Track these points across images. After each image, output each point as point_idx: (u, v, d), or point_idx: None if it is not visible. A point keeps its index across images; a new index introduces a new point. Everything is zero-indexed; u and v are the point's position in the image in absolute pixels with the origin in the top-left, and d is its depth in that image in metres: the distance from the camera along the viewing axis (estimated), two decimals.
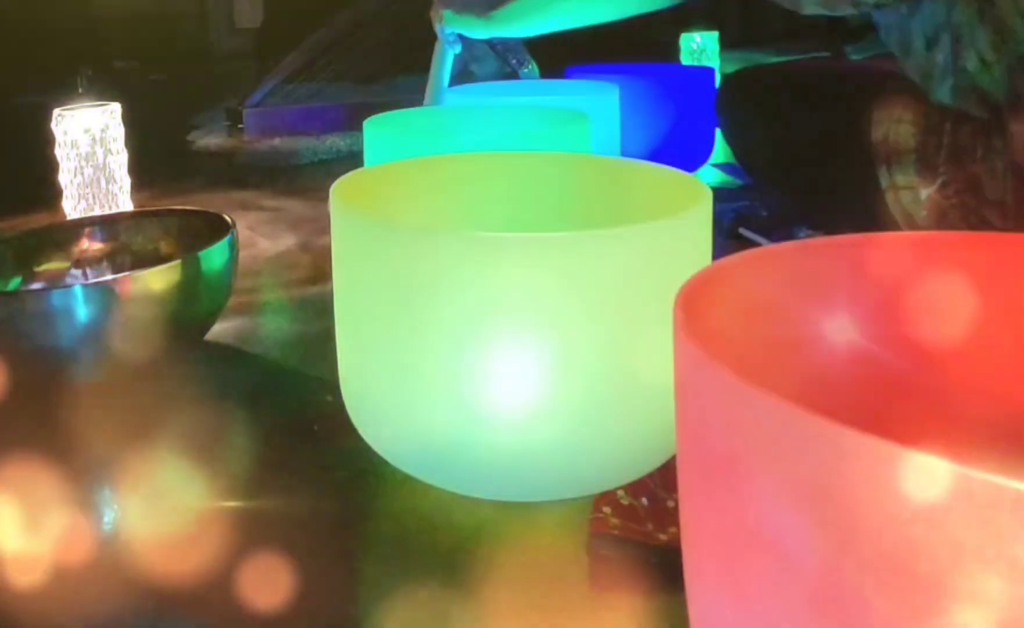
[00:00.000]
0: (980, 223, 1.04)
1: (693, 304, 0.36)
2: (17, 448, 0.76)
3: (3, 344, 0.81)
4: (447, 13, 1.40)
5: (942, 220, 1.07)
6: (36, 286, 0.96)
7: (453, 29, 1.41)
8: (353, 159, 1.85)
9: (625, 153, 1.33)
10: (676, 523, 0.58)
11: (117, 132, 1.28)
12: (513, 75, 2.48)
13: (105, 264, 1.01)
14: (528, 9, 1.33)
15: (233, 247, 0.90)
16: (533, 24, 1.38)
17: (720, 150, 1.63)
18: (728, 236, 1.25)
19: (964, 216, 1.05)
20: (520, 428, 0.59)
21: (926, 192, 1.08)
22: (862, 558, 0.26)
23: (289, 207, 1.59)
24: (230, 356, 0.96)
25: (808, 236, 1.15)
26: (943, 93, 1.06)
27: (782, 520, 0.28)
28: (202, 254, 0.85)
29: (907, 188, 1.09)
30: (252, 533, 0.65)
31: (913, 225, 1.09)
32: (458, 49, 1.43)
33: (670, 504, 0.62)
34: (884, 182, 1.10)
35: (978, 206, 1.04)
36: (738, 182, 1.59)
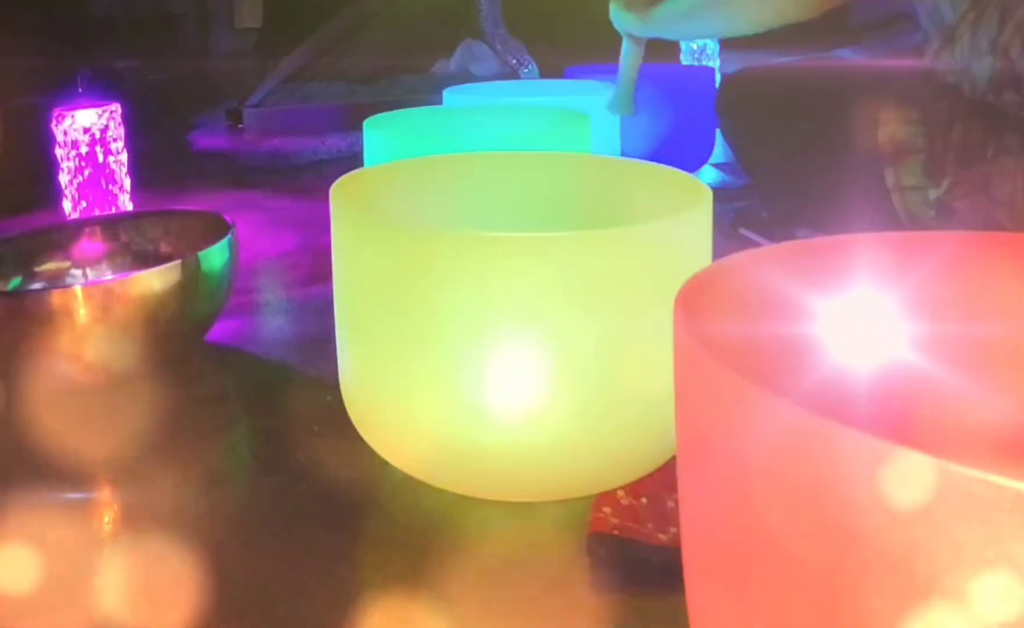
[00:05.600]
0: (989, 224, 1.03)
1: (693, 304, 0.36)
2: (17, 449, 0.76)
3: (3, 344, 0.81)
4: (612, 7, 1.32)
5: (950, 221, 1.06)
6: (36, 286, 0.96)
7: (616, 24, 1.34)
8: (353, 159, 1.85)
9: (625, 153, 1.33)
10: (676, 523, 0.58)
11: (117, 132, 1.28)
12: (513, 75, 2.48)
13: (105, 264, 1.01)
14: (682, 14, 1.28)
15: (233, 247, 0.90)
16: (686, 30, 1.35)
17: (720, 150, 1.63)
18: (728, 236, 1.25)
19: (973, 217, 1.04)
20: (520, 428, 0.59)
21: (934, 193, 1.07)
22: (862, 558, 0.26)
23: (289, 207, 1.58)
24: (230, 356, 0.96)
25: (808, 236, 1.15)
26: (980, 72, 1.04)
27: (782, 520, 0.28)
28: (202, 254, 0.85)
29: (914, 188, 1.08)
30: (252, 533, 0.65)
31: (920, 226, 1.09)
32: (631, 44, 1.36)
33: (670, 504, 0.62)
34: (890, 182, 1.10)
35: (988, 207, 1.03)
36: (738, 182, 1.59)
